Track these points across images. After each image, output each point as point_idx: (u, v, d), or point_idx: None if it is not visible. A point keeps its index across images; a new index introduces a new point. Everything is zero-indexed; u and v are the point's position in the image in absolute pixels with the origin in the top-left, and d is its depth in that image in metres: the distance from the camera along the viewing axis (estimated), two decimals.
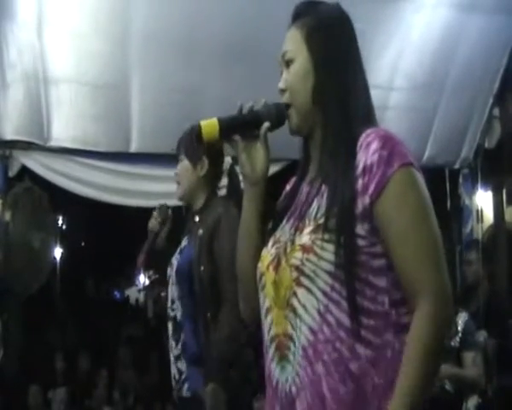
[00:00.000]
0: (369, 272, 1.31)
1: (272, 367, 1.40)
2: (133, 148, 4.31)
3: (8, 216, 4.11)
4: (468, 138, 4.84)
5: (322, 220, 1.33)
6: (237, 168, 2.99)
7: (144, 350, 7.87)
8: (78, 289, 11.65)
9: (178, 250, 2.83)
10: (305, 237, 1.33)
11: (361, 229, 1.31)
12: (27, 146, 4.15)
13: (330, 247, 1.30)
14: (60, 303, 9.94)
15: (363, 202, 1.31)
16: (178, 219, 3.09)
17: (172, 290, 2.75)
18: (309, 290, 1.31)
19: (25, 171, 4.26)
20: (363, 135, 1.36)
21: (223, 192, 2.93)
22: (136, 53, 3.97)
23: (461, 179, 5.10)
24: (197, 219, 2.77)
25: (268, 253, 1.44)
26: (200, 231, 2.68)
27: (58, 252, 10.30)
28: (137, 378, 7.17)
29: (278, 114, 1.46)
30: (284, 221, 1.47)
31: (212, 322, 2.60)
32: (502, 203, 5.16)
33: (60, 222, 9.53)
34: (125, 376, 7.06)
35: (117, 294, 17.88)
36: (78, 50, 3.90)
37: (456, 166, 5.04)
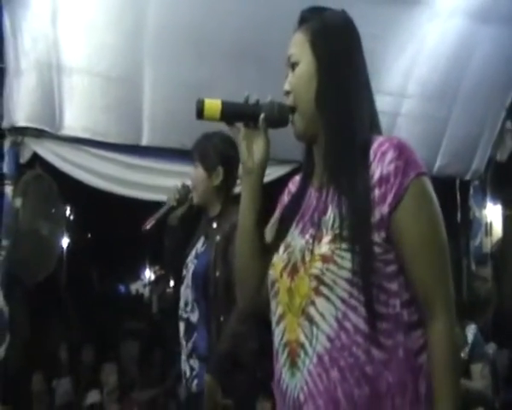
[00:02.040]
0: (382, 277, 1.35)
1: (283, 373, 1.42)
2: (144, 141, 4.33)
3: (18, 203, 4.13)
4: (480, 150, 4.82)
5: (340, 230, 1.36)
6: None
7: (148, 345, 7.87)
8: (83, 280, 11.66)
9: (194, 253, 2.85)
10: (324, 247, 1.36)
11: (377, 237, 1.35)
12: (39, 134, 4.16)
13: (349, 255, 1.33)
14: (65, 294, 9.96)
15: (380, 212, 1.35)
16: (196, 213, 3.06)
17: (187, 293, 2.78)
18: (328, 299, 1.34)
19: (36, 158, 4.27)
20: (376, 144, 1.40)
21: (238, 189, 2.93)
22: (149, 46, 3.98)
23: (471, 191, 5.09)
24: (214, 225, 2.79)
25: (280, 259, 1.47)
26: (218, 238, 2.72)
27: (65, 242, 10.31)
28: (140, 373, 7.18)
29: (280, 113, 1.50)
30: (293, 226, 1.50)
31: (224, 325, 2.63)
32: (511, 217, 5.14)
33: (67, 212, 9.54)
34: (127, 370, 7.07)
35: (122, 288, 17.90)
36: (92, 41, 3.92)
37: (467, 177, 5.02)
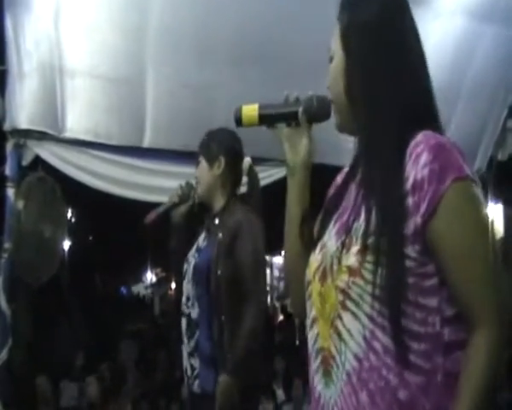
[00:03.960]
0: (418, 293, 1.24)
1: (316, 379, 1.36)
2: (146, 143, 4.32)
3: (20, 205, 4.12)
4: (482, 149, 4.82)
5: (370, 241, 1.25)
6: (256, 168, 3.03)
7: (150, 347, 7.88)
8: (85, 283, 11.67)
9: (195, 247, 2.86)
10: (351, 258, 1.27)
11: (412, 250, 1.24)
12: (41, 136, 4.16)
13: (376, 269, 1.24)
14: (68, 296, 9.97)
15: (414, 223, 1.24)
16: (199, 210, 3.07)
17: (188, 288, 2.78)
18: (354, 315, 1.26)
19: (38, 161, 4.27)
20: (412, 143, 1.27)
21: (243, 189, 2.95)
22: (152, 48, 3.97)
23: None
24: (217, 221, 2.80)
25: (315, 259, 1.40)
26: (220, 235, 2.71)
27: (67, 244, 10.32)
28: (143, 375, 7.19)
29: (320, 107, 1.47)
30: (331, 224, 1.42)
31: (231, 322, 2.63)
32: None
33: (69, 215, 9.55)
34: (129, 372, 7.08)
35: (123, 290, 17.92)
36: (94, 43, 3.91)
37: (477, 179, 4.98)
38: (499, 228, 5.40)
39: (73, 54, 3.95)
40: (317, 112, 1.47)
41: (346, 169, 1.53)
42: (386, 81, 1.35)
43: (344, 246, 1.30)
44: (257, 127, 1.53)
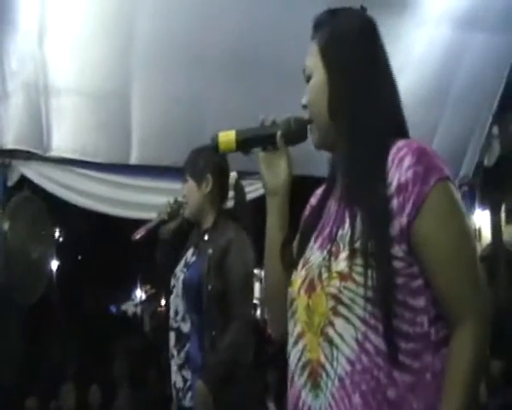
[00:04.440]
0: (407, 294, 1.26)
1: (304, 394, 1.33)
2: (133, 159, 4.31)
3: (6, 225, 4.10)
4: (468, 155, 4.85)
5: (357, 245, 1.27)
6: (242, 182, 3.03)
7: (141, 364, 7.83)
8: (74, 302, 11.61)
9: (184, 262, 2.85)
10: (341, 264, 1.28)
11: (399, 251, 1.26)
12: (27, 156, 4.14)
13: (367, 272, 1.25)
14: (57, 316, 9.90)
15: (400, 223, 1.26)
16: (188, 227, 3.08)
17: (177, 302, 2.77)
18: (347, 319, 1.26)
19: (24, 181, 4.25)
20: (394, 148, 1.31)
21: (230, 204, 2.95)
22: (138, 63, 3.97)
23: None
24: (206, 237, 2.80)
25: (298, 276, 1.39)
26: (210, 251, 2.71)
27: (55, 265, 10.26)
28: (133, 393, 7.13)
29: (298, 129, 1.46)
30: (312, 241, 1.43)
31: (221, 336, 2.63)
32: (500, 222, 5.16)
33: (57, 235, 9.51)
34: (120, 390, 7.02)
35: (113, 308, 17.85)
36: (79, 60, 3.90)
37: (456, 183, 5.01)
38: (487, 234, 5.41)
39: (58, 72, 3.94)
40: (295, 134, 1.47)
41: (319, 191, 1.56)
42: (369, 94, 1.38)
43: (331, 254, 1.31)
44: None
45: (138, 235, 2.95)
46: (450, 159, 4.98)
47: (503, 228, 5.26)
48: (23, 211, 4.24)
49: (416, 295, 1.26)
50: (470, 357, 1.23)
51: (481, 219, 5.27)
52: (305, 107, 1.45)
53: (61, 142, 4.17)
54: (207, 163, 2.82)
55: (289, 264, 1.47)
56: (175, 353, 2.75)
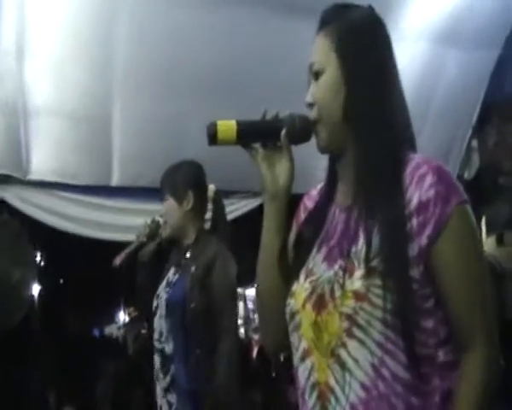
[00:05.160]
0: (419, 315, 1.22)
1: None
2: (114, 181, 4.28)
3: None
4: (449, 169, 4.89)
5: (374, 263, 1.21)
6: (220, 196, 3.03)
7: (125, 387, 7.75)
8: (56, 326, 11.48)
9: (165, 283, 2.82)
10: (357, 283, 1.21)
11: (416, 272, 1.21)
12: (5, 179, 4.10)
13: (385, 293, 1.19)
14: (38, 340, 9.80)
15: (419, 244, 1.21)
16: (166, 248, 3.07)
17: (161, 323, 2.73)
18: (362, 343, 1.20)
19: (3, 204, 4.20)
20: (412, 164, 1.26)
21: (207, 224, 2.94)
22: (118, 84, 3.95)
23: None
24: (188, 254, 2.77)
25: (302, 288, 1.32)
26: (193, 268, 2.68)
27: (36, 289, 10.14)
28: None
29: (303, 128, 1.36)
30: (315, 250, 1.36)
31: (207, 356, 2.60)
32: (481, 234, 5.17)
33: (38, 258, 9.42)
34: None
35: (96, 332, 17.67)
36: (59, 81, 3.87)
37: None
38: None
39: (38, 93, 3.91)
40: (300, 133, 1.36)
41: (314, 191, 1.48)
42: (388, 97, 1.32)
43: (346, 271, 1.24)
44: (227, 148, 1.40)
45: (118, 260, 2.95)
46: None
47: (484, 240, 5.27)
48: (2, 235, 4.19)
49: (426, 317, 1.23)
50: (483, 380, 1.20)
51: None
52: (310, 105, 1.35)
53: (41, 164, 4.13)
54: (187, 179, 2.79)
55: (287, 272, 1.39)
56: (161, 375, 2.71)
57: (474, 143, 4.80)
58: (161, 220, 2.93)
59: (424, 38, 4.15)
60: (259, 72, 3.85)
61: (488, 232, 5.22)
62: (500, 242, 7.52)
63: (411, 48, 4.16)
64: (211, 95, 3.95)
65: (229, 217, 4.07)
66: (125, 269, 3.02)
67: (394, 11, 3.88)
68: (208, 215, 2.95)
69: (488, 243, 5.48)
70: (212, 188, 2.91)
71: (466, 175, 4.93)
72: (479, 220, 5.10)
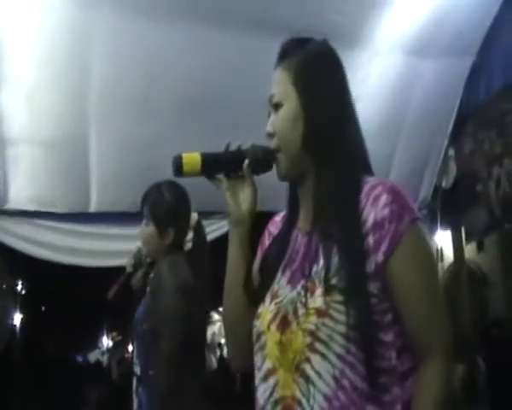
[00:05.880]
0: (379, 329, 1.28)
1: None
2: (92, 207, 4.25)
3: None
4: (426, 180, 4.91)
5: (334, 281, 1.27)
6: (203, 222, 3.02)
7: None
8: (39, 354, 11.39)
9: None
10: (318, 300, 1.27)
11: (374, 287, 1.28)
12: None
13: (346, 309, 1.25)
14: (20, 370, 9.69)
15: (375, 260, 1.28)
16: None
17: (135, 346, 2.74)
18: (324, 356, 1.25)
19: None
20: (368, 186, 1.32)
21: (188, 246, 2.93)
22: (93, 110, 3.92)
23: None
24: (151, 275, 2.80)
25: (267, 310, 1.37)
26: (148, 289, 2.69)
27: (18, 318, 10.06)
28: None
29: (265, 157, 1.41)
30: (279, 273, 1.40)
31: (154, 378, 2.56)
32: (461, 241, 5.21)
33: (19, 287, 9.35)
34: None
35: (79, 358, 17.56)
36: (35, 109, 3.83)
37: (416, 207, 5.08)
38: (449, 254, 5.46)
39: (13, 122, 3.87)
40: (261, 163, 1.42)
41: (278, 218, 1.55)
42: (344, 126, 1.38)
43: (307, 290, 1.29)
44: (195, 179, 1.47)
45: (112, 293, 3.00)
46: (408, 184, 5.05)
47: (464, 247, 5.31)
48: None
49: (385, 331, 1.28)
50: (441, 387, 1.26)
51: (442, 239, 5.31)
52: (270, 135, 1.41)
53: (18, 193, 4.09)
54: (170, 213, 2.75)
55: (252, 294, 1.44)
56: (135, 399, 2.70)
57: (451, 151, 4.84)
58: (140, 242, 2.93)
59: (396, 51, 4.17)
60: (236, 92, 3.85)
61: (468, 239, 5.26)
62: (480, 248, 7.60)
63: (384, 62, 4.19)
64: (187, 115, 3.95)
65: (210, 237, 4.06)
66: (115, 299, 3.05)
67: (367, 25, 3.91)
68: (189, 236, 2.94)
69: (468, 250, 5.53)
70: (194, 217, 2.90)
71: (444, 184, 4.96)
72: (459, 227, 5.14)
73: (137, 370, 2.67)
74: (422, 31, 4.08)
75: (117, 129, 4.02)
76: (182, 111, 3.97)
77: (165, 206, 2.75)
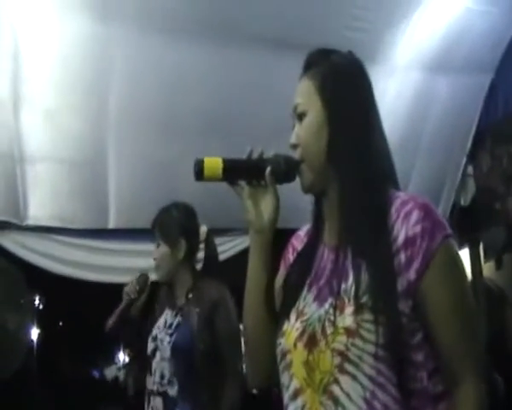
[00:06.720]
0: (409, 349, 1.24)
1: None
2: (111, 224, 4.27)
3: None
4: (444, 197, 4.88)
5: (364, 300, 1.23)
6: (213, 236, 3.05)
7: None
8: (56, 369, 11.40)
9: (164, 324, 2.81)
10: (348, 319, 1.23)
11: (405, 306, 1.23)
12: (3, 225, 4.09)
13: (376, 328, 1.21)
14: (37, 386, 9.71)
15: (407, 279, 1.24)
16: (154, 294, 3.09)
17: (163, 366, 2.72)
18: (354, 378, 1.21)
19: (1, 250, 4.19)
20: (399, 200, 1.29)
21: (199, 264, 2.96)
22: (113, 128, 3.95)
23: None
24: (190, 296, 2.79)
25: (293, 328, 1.32)
26: (198, 310, 2.69)
27: (35, 333, 10.09)
28: None
29: (287, 168, 1.38)
30: (305, 290, 1.37)
31: (212, 399, 2.60)
32: (479, 259, 5.17)
33: (37, 302, 9.39)
34: None
35: (96, 373, 17.55)
36: (54, 128, 3.88)
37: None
38: (467, 272, 5.43)
39: (34, 141, 3.91)
40: (284, 173, 1.39)
41: (301, 232, 1.51)
42: (371, 138, 1.34)
43: (336, 308, 1.25)
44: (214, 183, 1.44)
45: (111, 322, 2.99)
46: None
47: (482, 265, 5.27)
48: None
49: (416, 351, 1.25)
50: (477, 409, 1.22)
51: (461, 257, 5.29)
52: (294, 146, 1.38)
53: (38, 210, 4.13)
54: (178, 226, 2.84)
55: (273, 307, 1.41)
56: None
57: (470, 169, 4.82)
58: (154, 266, 2.94)
59: (414, 68, 4.18)
60: (258, 111, 3.88)
61: (486, 257, 5.22)
62: (499, 266, 7.53)
63: (402, 79, 4.19)
64: (208, 136, 3.97)
65: (226, 254, 4.07)
66: (112, 332, 3.04)
67: (385, 43, 3.92)
68: (200, 255, 2.98)
69: (487, 268, 5.48)
70: (204, 230, 2.95)
71: (462, 202, 4.94)
72: (477, 245, 5.11)
73: (171, 390, 2.67)
74: (440, 48, 4.08)
75: (137, 148, 4.05)
76: (203, 131, 3.99)
77: (173, 221, 2.83)
